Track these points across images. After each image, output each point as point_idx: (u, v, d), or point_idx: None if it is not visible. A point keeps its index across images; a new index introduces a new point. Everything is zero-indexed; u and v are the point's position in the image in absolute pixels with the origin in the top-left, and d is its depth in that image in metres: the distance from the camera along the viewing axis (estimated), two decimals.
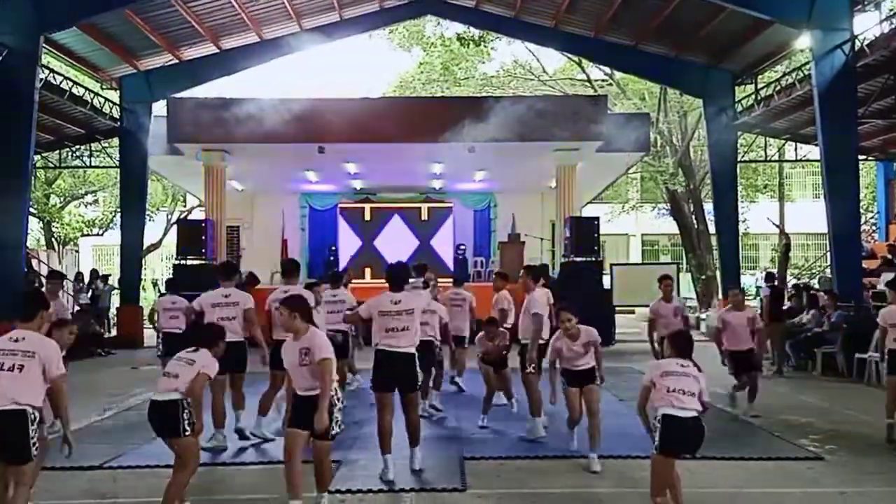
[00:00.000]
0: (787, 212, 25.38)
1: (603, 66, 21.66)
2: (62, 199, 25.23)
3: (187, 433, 4.57)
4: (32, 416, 3.99)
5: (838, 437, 6.84)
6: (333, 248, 20.35)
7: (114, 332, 16.96)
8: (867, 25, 12.78)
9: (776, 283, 13.16)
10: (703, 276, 20.71)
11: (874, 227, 20.80)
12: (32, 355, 4.03)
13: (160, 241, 25.98)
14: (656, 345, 8.25)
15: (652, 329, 8.64)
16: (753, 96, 16.56)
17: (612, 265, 16.63)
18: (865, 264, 14.44)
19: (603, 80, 22.87)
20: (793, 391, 9.56)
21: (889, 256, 16.09)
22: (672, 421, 4.20)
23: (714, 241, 19.38)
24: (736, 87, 17.45)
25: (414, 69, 25.92)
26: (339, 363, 8.01)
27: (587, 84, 22.83)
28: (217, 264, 8.23)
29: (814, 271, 22.80)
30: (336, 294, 8.35)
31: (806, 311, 12.36)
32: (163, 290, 18.67)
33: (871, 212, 21.64)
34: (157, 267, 28.20)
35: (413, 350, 5.58)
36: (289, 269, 7.47)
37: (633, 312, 22.13)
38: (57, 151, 18.34)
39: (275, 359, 6.44)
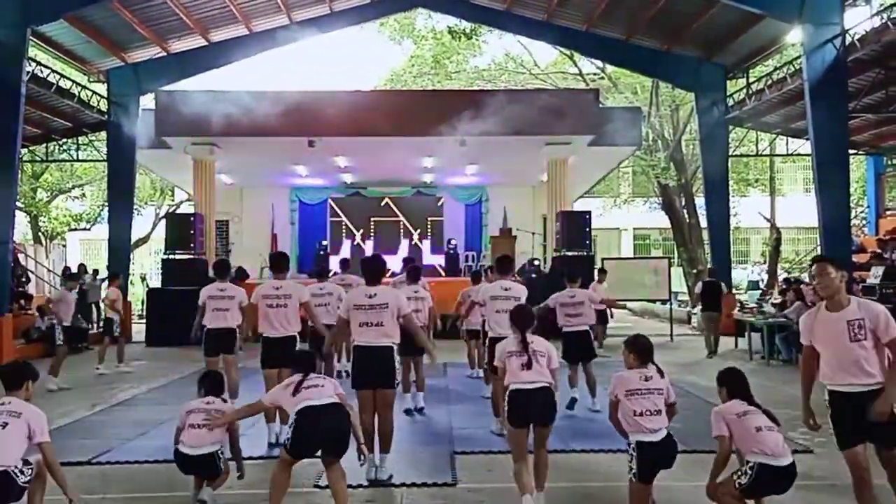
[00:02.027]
0: (777, 206, 25.50)
1: (595, 60, 21.65)
2: (49, 193, 25.02)
3: None
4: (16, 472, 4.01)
5: (828, 430, 6.81)
6: (323, 242, 20.31)
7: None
8: (858, 20, 12.83)
9: (715, 277, 13.82)
10: (695, 271, 20.74)
11: (864, 222, 20.90)
12: (18, 415, 4.11)
13: (148, 236, 25.83)
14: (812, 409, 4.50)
15: (808, 373, 4.47)
16: (745, 90, 16.57)
17: (603, 259, 16.61)
18: (855, 258, 14.51)
19: (595, 74, 22.85)
20: (782, 384, 9.57)
21: (879, 250, 16.16)
22: (646, 448, 4.20)
23: (705, 235, 19.43)
24: (728, 81, 17.47)
25: (405, 62, 25.84)
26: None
27: (579, 78, 22.82)
28: (214, 263, 8.37)
29: (804, 265, 22.90)
30: (323, 287, 8.31)
31: (790, 304, 12.40)
32: (151, 285, 18.58)
33: (862, 206, 21.73)
34: (146, 261, 28.04)
35: (390, 344, 5.38)
36: (277, 263, 6.84)
37: (624, 307, 22.21)
38: (44, 145, 18.16)
39: (266, 358, 6.47)
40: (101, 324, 11.64)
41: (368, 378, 5.39)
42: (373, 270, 5.63)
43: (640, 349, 4.41)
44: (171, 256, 15.50)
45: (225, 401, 5.04)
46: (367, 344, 5.36)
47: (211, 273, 11.03)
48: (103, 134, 17.25)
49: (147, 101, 17.29)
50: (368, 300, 5.40)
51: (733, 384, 4.38)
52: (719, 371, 4.59)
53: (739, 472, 4.11)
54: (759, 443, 4.05)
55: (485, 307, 6.77)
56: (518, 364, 4.66)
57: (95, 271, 18.07)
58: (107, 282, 11.95)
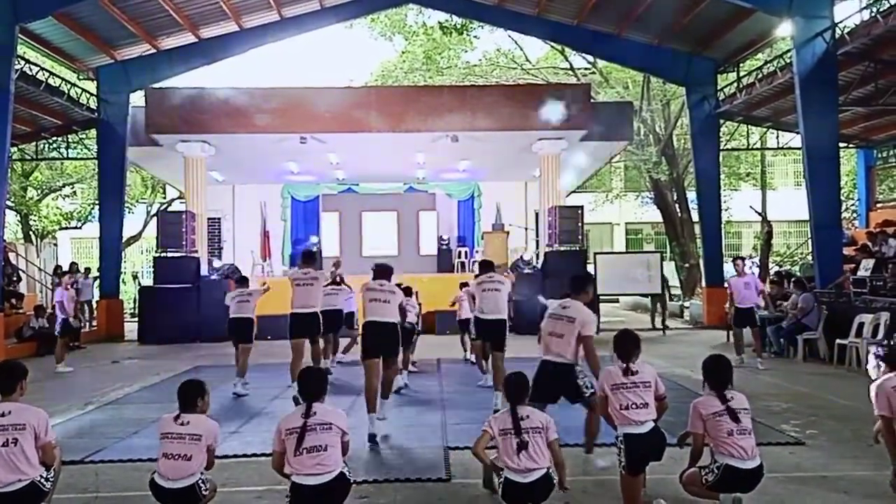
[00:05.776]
0: (769, 199, 25.57)
1: (586, 55, 21.64)
2: (39, 191, 24.85)
3: None
4: (42, 482, 4.10)
5: (819, 423, 6.89)
6: (316, 238, 20.28)
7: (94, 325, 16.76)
8: (847, 13, 12.88)
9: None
10: (687, 265, 20.83)
11: (855, 215, 20.98)
12: (23, 427, 4.05)
13: (140, 234, 25.70)
14: None
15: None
16: (735, 84, 16.61)
17: (595, 254, 16.66)
18: (846, 251, 14.57)
19: (586, 69, 22.85)
20: (774, 377, 9.63)
21: (868, 243, 16.22)
22: (633, 440, 4.25)
23: (697, 229, 19.49)
24: (718, 76, 17.50)
25: (396, 58, 25.77)
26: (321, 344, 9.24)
27: (570, 73, 22.81)
28: (237, 277, 11.05)
29: (795, 258, 23.01)
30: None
31: (789, 294, 12.45)
32: (143, 283, 18.51)
33: (852, 199, 21.82)
34: (137, 259, 27.93)
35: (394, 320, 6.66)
36: (306, 259, 8.83)
37: (617, 301, 22.30)
38: (34, 143, 18.06)
39: (293, 328, 8.11)
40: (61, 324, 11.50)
41: (376, 349, 6.59)
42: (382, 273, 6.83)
43: (622, 347, 4.49)
44: (162, 254, 15.45)
45: (206, 413, 4.42)
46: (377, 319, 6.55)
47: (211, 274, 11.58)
48: (93, 132, 17.16)
49: (137, 98, 17.20)
50: (380, 286, 6.65)
51: (712, 374, 4.41)
52: (705, 358, 4.63)
53: (707, 470, 4.24)
54: (729, 446, 4.17)
55: (476, 295, 7.99)
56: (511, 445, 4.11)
57: (87, 269, 18.02)
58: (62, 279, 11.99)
